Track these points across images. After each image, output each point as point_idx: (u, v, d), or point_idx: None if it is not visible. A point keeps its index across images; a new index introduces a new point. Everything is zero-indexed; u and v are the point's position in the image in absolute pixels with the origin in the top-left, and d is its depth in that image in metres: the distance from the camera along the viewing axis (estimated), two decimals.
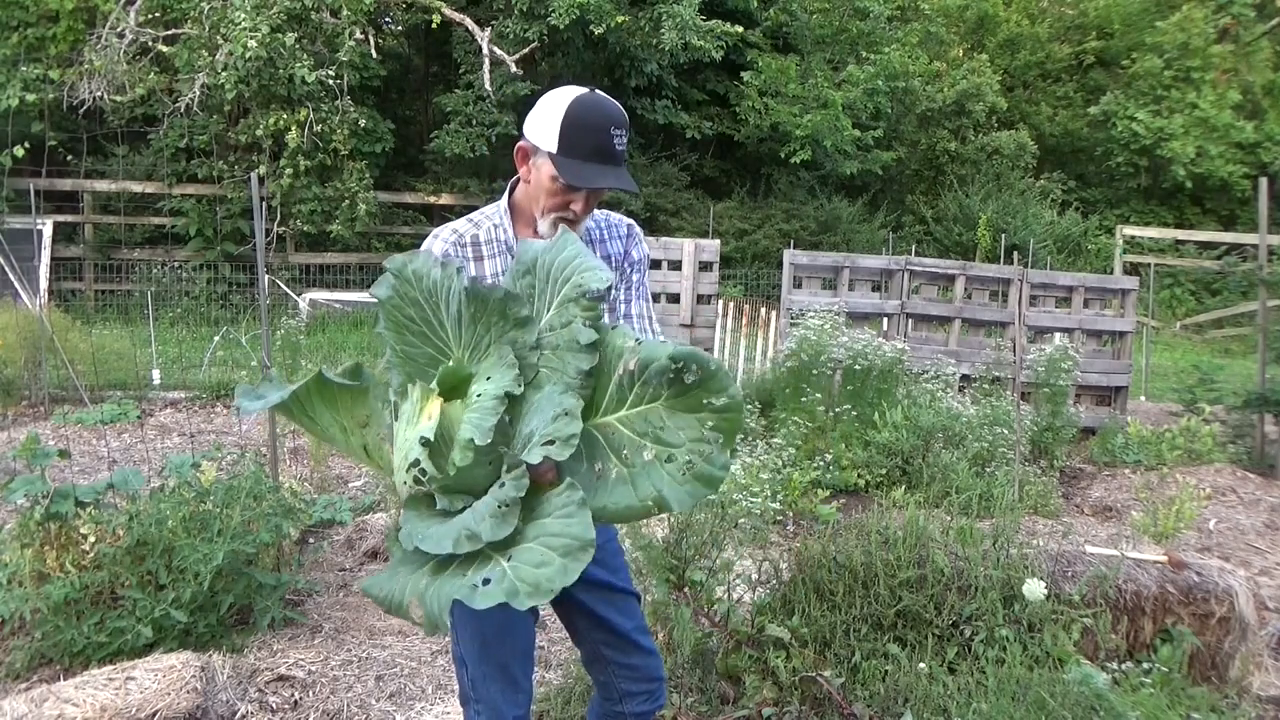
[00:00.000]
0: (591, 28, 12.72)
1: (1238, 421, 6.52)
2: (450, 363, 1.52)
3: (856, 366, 6.13)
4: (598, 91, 1.86)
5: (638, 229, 2.09)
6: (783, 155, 15.27)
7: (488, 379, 1.45)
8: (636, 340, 1.43)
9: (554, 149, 1.81)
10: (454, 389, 1.49)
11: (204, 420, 7.13)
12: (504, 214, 1.96)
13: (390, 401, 1.54)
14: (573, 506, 1.34)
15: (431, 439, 1.42)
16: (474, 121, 13.67)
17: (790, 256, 7.54)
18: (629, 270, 2.04)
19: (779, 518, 4.51)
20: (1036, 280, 7.66)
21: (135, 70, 12.32)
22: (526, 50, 13.23)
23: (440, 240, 1.95)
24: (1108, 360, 7.53)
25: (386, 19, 13.89)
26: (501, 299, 1.49)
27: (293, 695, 3.07)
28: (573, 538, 1.30)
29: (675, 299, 8.38)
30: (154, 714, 2.75)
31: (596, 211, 2.02)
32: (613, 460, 1.42)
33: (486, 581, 1.28)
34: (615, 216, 2.08)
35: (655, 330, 2.06)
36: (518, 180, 1.98)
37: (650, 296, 2.11)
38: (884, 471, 5.46)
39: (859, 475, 5.45)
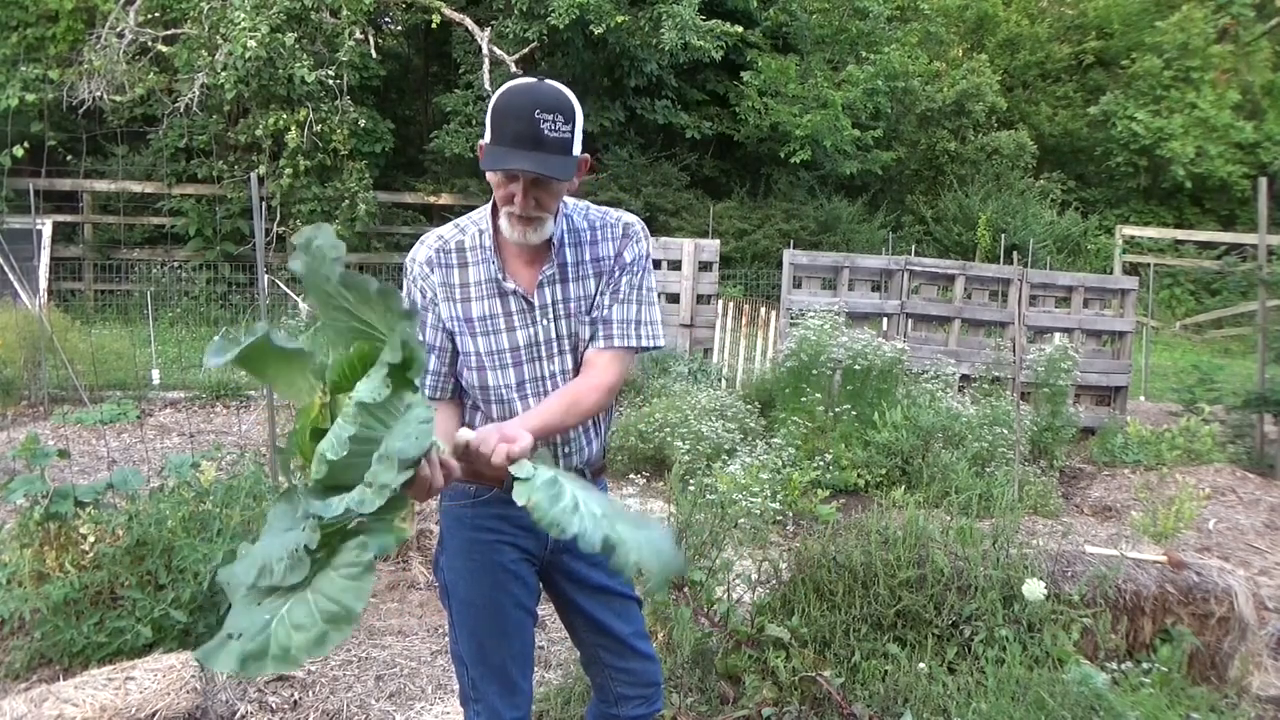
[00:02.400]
0: (591, 28, 12.71)
1: (1237, 421, 6.52)
2: (353, 346, 1.43)
3: (856, 366, 6.13)
4: (546, 80, 1.77)
5: (638, 229, 1.96)
6: (783, 155, 15.27)
7: (366, 378, 1.36)
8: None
9: (487, 139, 1.77)
10: (345, 381, 1.41)
11: (204, 420, 7.13)
12: (489, 219, 1.90)
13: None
14: (359, 568, 1.24)
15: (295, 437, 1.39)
16: (474, 121, 13.67)
17: (790, 256, 7.54)
18: (617, 273, 1.92)
19: (779, 518, 4.51)
20: (1036, 280, 7.66)
21: (135, 70, 12.33)
22: (526, 50, 13.23)
23: (425, 247, 1.92)
24: (1107, 360, 7.53)
25: (386, 19, 13.90)
26: (380, 290, 1.36)
27: (292, 695, 3.07)
28: (342, 606, 1.21)
29: (675, 299, 8.40)
30: (154, 714, 2.75)
31: (593, 210, 1.96)
32: None
33: (241, 635, 1.23)
34: (615, 215, 1.97)
35: (652, 335, 1.94)
36: None
37: (650, 300, 1.97)
38: (884, 471, 5.46)
39: (859, 475, 5.45)
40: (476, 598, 1.93)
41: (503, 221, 1.84)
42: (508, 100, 1.73)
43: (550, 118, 1.71)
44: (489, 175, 1.80)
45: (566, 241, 1.91)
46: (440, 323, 1.91)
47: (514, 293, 1.88)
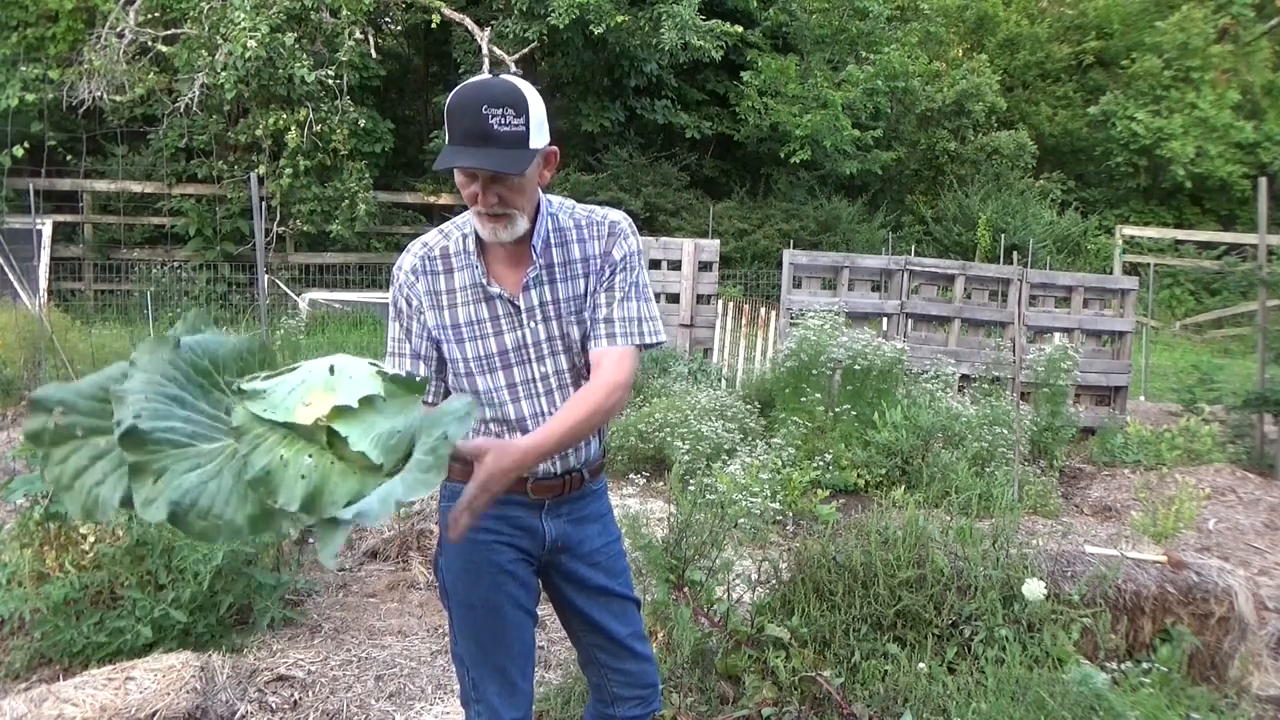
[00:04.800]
0: (591, 28, 12.72)
1: (1237, 421, 6.52)
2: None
3: (856, 366, 6.13)
4: (501, 76, 1.74)
5: (625, 225, 1.92)
6: (782, 155, 15.27)
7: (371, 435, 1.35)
8: None
9: (446, 140, 1.74)
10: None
11: None
12: (472, 223, 1.87)
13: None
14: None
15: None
16: None
17: (790, 256, 7.54)
18: (608, 272, 1.88)
19: (779, 518, 4.51)
20: (1036, 280, 7.66)
21: (135, 70, 12.34)
22: (526, 50, 13.24)
23: (411, 255, 1.91)
24: (1107, 360, 7.53)
25: (386, 19, 13.90)
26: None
27: (292, 695, 3.07)
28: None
29: (675, 299, 8.39)
30: (153, 714, 2.75)
31: (579, 209, 1.93)
32: None
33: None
34: (601, 213, 1.93)
35: (654, 331, 1.92)
36: None
37: (647, 295, 1.94)
38: (884, 471, 5.46)
39: (859, 475, 5.45)
40: (475, 598, 1.93)
41: (474, 221, 1.83)
42: (457, 99, 1.70)
43: (499, 112, 1.67)
44: (455, 177, 1.79)
45: (552, 241, 1.88)
46: (426, 330, 1.90)
47: (499, 297, 1.87)
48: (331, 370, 1.34)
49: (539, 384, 1.90)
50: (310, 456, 1.26)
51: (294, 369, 1.35)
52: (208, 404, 1.29)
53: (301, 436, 1.28)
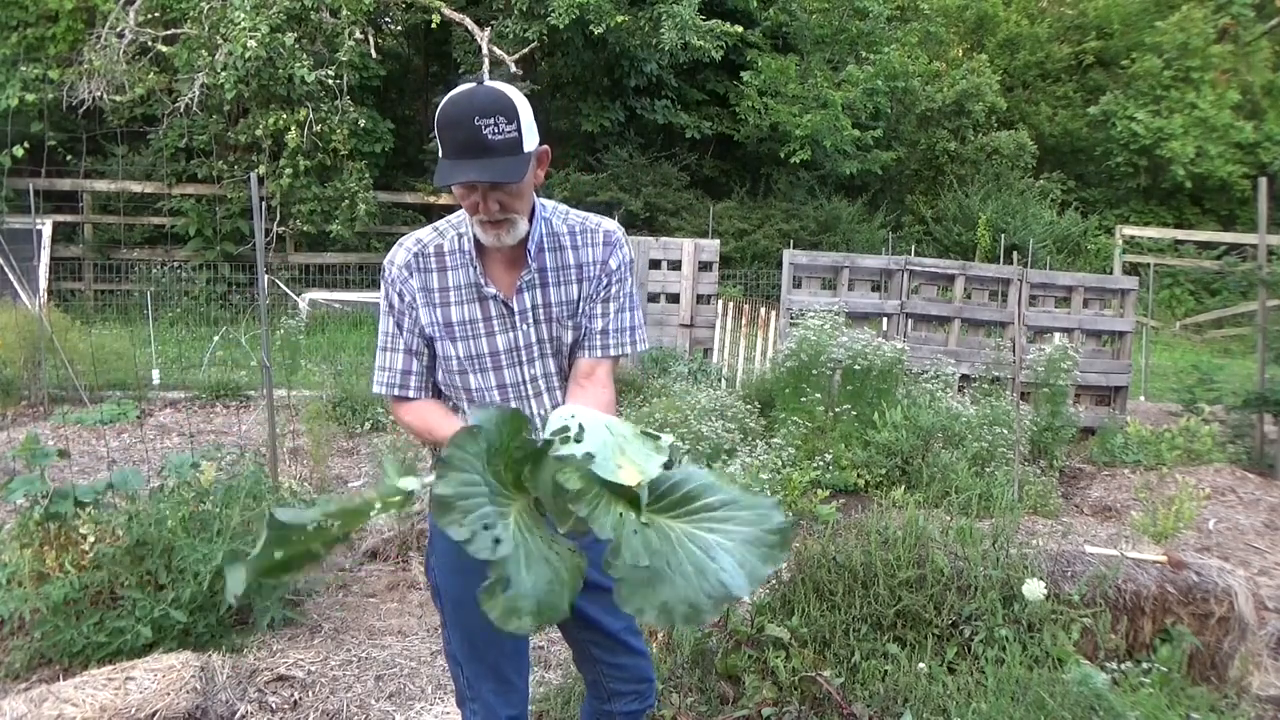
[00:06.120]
0: (591, 28, 12.72)
1: (1237, 421, 6.52)
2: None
3: (856, 366, 6.13)
4: (485, 84, 1.75)
5: (619, 235, 1.97)
6: (782, 155, 15.28)
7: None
8: None
9: (441, 154, 1.75)
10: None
11: (204, 420, 7.13)
12: (468, 223, 1.88)
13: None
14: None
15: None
16: None
17: (790, 256, 7.54)
18: (605, 281, 1.93)
19: None
20: (1036, 280, 7.66)
21: (135, 70, 12.33)
22: (526, 50, 13.23)
23: (404, 250, 1.92)
24: (1107, 360, 7.53)
25: (386, 19, 13.89)
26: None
27: (292, 695, 3.07)
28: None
29: (675, 299, 8.40)
30: (153, 714, 2.75)
31: (572, 215, 1.96)
32: None
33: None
34: (595, 221, 1.97)
35: (642, 339, 1.97)
36: None
37: (637, 304, 1.99)
38: (884, 471, 5.46)
39: (859, 475, 5.45)
40: (467, 597, 1.92)
41: (476, 229, 1.84)
42: (448, 112, 1.71)
43: (491, 121, 1.68)
44: (454, 189, 1.79)
45: (545, 246, 1.90)
46: (419, 327, 1.91)
47: (493, 298, 1.89)
48: (610, 430, 1.49)
49: (528, 386, 1.92)
50: (633, 513, 1.44)
51: (581, 435, 1.47)
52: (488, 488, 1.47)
53: (623, 497, 1.44)
